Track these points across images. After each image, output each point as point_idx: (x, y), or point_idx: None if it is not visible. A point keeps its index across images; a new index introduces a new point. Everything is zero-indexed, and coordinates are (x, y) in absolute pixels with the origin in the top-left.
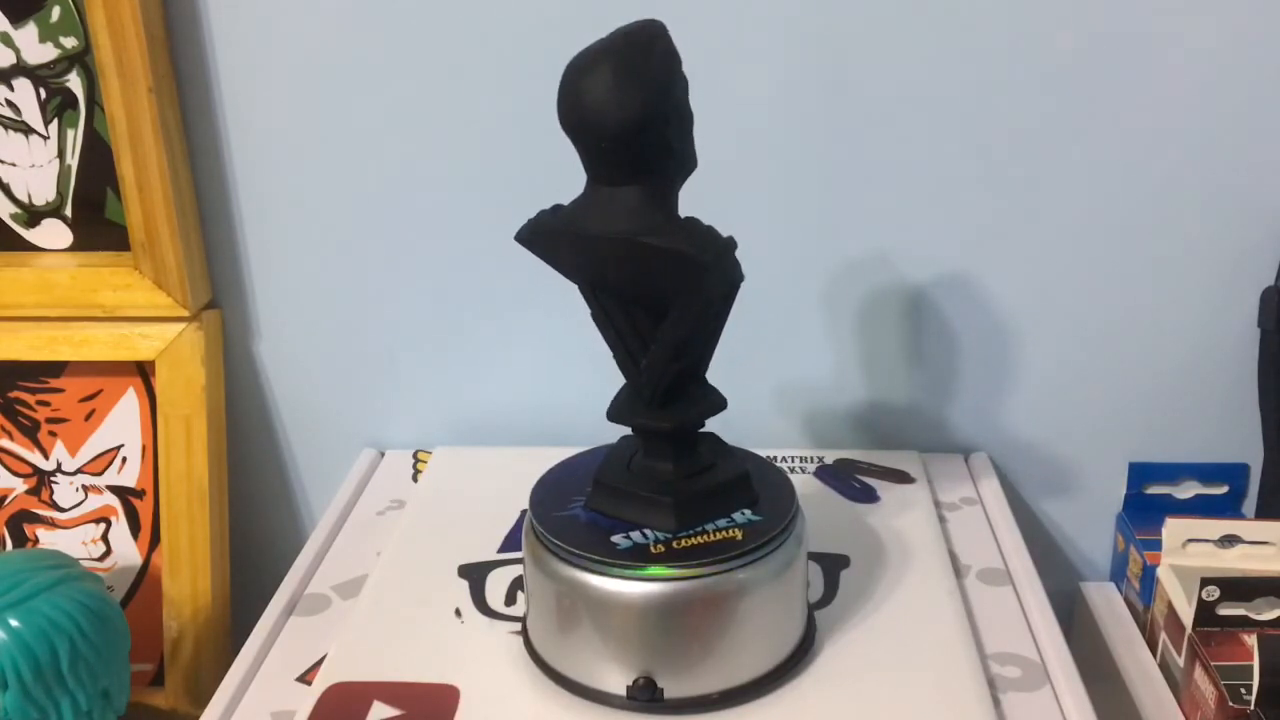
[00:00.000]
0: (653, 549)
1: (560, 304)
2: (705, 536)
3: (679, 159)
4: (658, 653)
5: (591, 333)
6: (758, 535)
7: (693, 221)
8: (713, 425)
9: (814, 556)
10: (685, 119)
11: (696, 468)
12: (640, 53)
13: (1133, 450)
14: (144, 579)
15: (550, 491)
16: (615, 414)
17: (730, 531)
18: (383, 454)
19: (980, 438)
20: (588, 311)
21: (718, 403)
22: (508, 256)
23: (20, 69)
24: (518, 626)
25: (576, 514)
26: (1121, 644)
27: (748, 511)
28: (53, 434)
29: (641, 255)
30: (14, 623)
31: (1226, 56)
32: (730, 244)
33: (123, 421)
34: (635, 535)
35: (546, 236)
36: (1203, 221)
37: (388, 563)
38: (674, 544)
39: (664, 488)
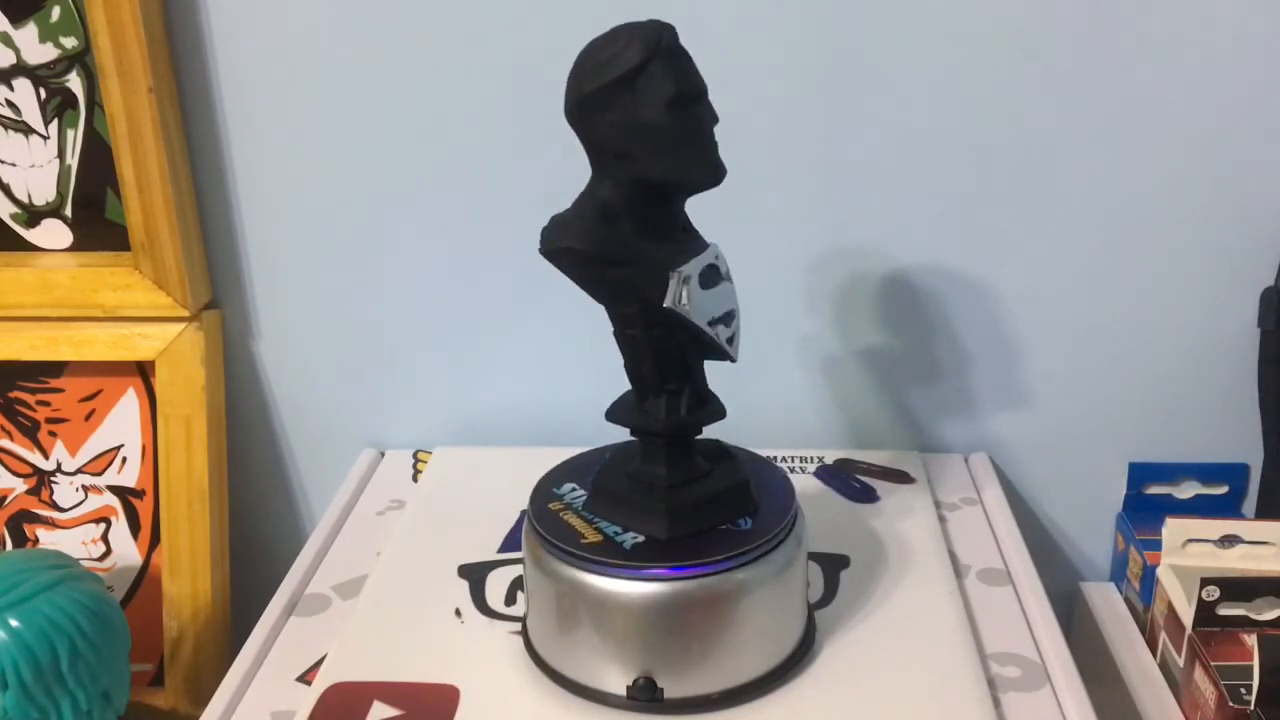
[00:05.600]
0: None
1: (560, 304)
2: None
3: (631, 163)
4: (658, 653)
5: (591, 333)
6: (757, 536)
7: (592, 223)
8: (716, 424)
9: (814, 556)
10: (640, 125)
11: (692, 474)
12: (603, 47)
13: (1133, 450)
14: (144, 579)
15: (550, 492)
16: (611, 413)
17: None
18: (383, 454)
19: (980, 438)
20: (587, 312)
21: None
22: (508, 256)
23: (20, 69)
24: (518, 626)
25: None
26: (1121, 644)
27: (748, 520)
28: (53, 434)
29: None
30: (14, 623)
31: (1227, 57)
32: (565, 249)
33: (123, 421)
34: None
35: None
36: (1203, 221)
37: (388, 563)
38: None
39: (657, 493)
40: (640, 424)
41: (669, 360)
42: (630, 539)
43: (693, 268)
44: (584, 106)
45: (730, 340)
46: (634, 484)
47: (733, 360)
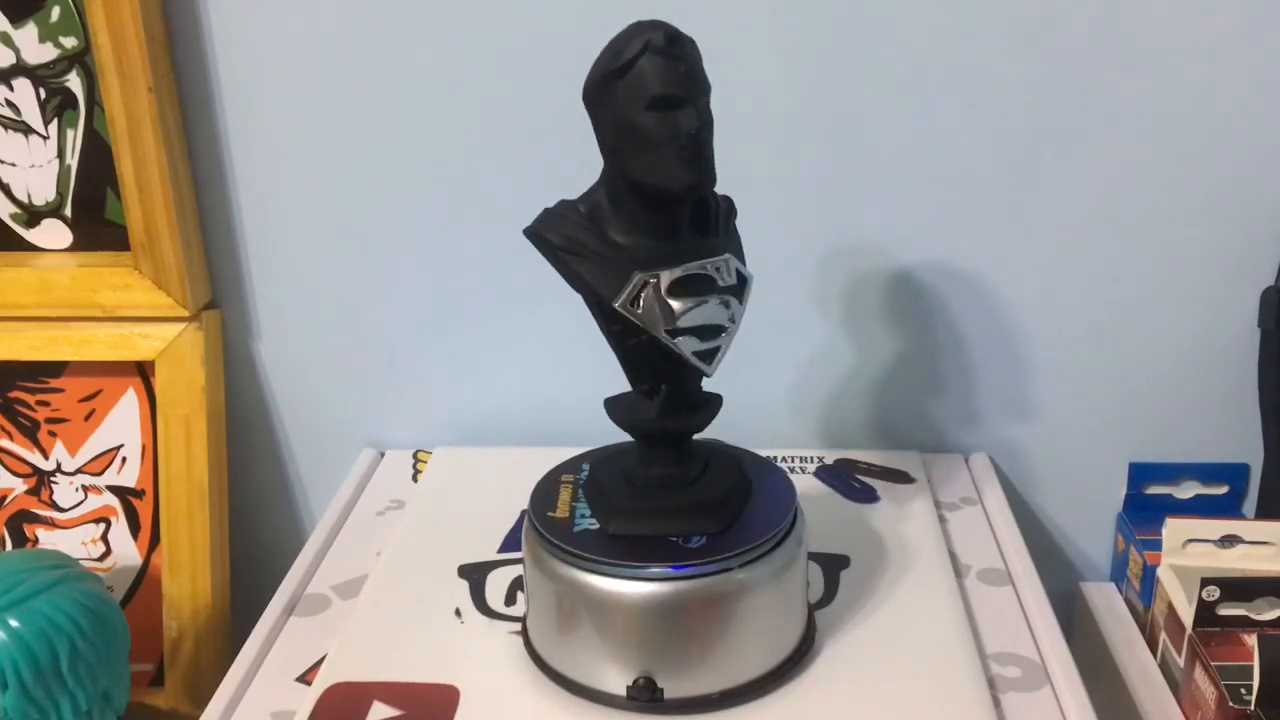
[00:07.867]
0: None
1: (560, 304)
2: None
3: (619, 159)
4: (658, 653)
5: (591, 333)
6: (758, 535)
7: (574, 214)
8: (716, 424)
9: (814, 556)
10: (624, 122)
11: (670, 479)
12: (614, 42)
13: (1133, 450)
14: (144, 579)
15: (550, 491)
16: (608, 401)
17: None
18: (383, 454)
19: (981, 438)
20: (587, 311)
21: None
22: (508, 256)
23: (20, 69)
24: (518, 626)
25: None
26: (1121, 644)
27: (702, 538)
28: (53, 434)
29: None
30: (14, 623)
31: (1227, 57)
32: (534, 233)
33: (123, 421)
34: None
35: None
36: (1203, 221)
37: (388, 563)
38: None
39: (620, 488)
40: (620, 419)
41: (635, 359)
42: (586, 524)
43: (666, 273)
44: (586, 97)
45: (707, 355)
46: (617, 474)
47: (706, 375)
